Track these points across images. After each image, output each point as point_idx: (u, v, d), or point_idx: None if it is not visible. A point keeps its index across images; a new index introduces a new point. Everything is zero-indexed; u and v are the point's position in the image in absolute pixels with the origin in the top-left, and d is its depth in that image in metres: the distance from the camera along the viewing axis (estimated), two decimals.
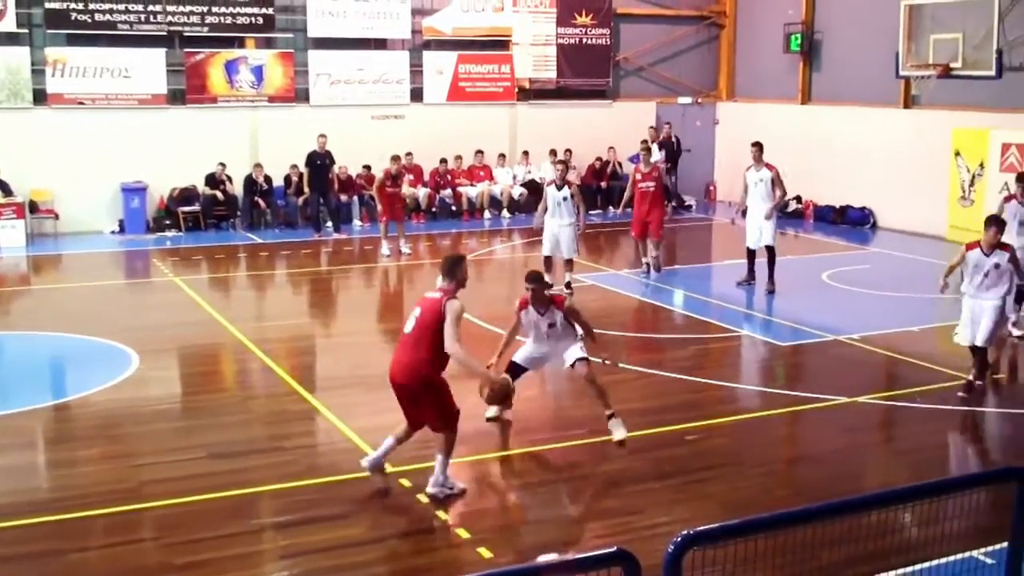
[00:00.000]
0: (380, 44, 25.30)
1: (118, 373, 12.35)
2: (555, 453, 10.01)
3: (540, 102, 26.98)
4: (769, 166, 16.91)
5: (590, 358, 10.40)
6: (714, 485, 9.25)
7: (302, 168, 23.25)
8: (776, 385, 12.46)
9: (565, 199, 16.67)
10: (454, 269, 8.89)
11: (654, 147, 25.70)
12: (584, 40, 27.18)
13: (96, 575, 7.72)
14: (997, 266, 11.70)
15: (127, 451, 10.01)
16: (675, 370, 12.59)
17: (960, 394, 11.53)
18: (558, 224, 16.77)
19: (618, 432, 10.21)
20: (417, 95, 25.60)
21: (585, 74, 27.30)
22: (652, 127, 26.60)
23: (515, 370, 10.60)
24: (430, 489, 8.77)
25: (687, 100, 28.61)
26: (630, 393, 11.94)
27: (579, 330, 10.48)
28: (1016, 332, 14.09)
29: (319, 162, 22.84)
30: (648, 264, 18.31)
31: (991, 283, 11.70)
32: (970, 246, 12.01)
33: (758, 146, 17.07)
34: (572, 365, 10.40)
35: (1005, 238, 12.31)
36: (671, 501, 8.85)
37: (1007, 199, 14.49)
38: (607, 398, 10.34)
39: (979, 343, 11.67)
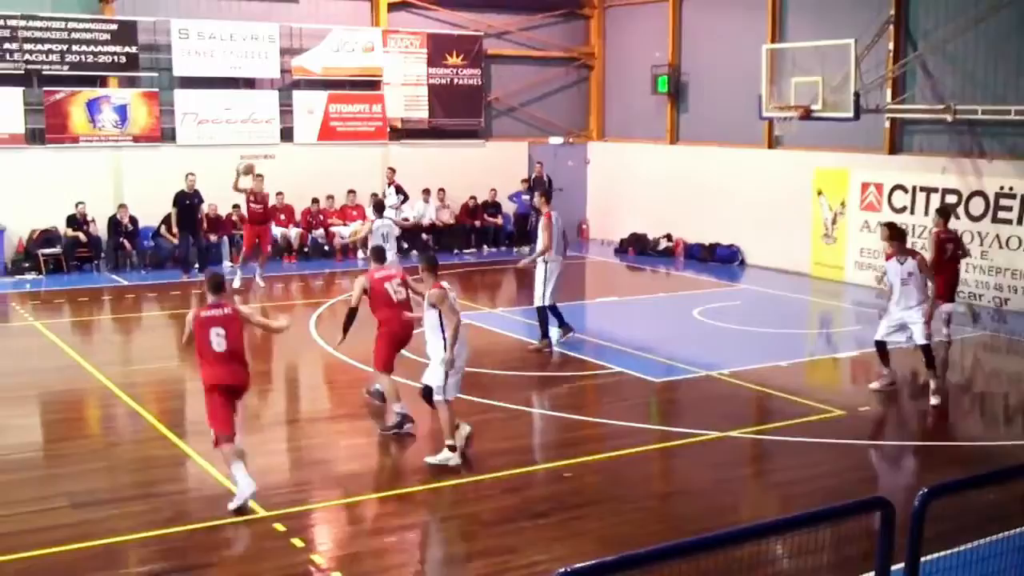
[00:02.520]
0: (249, 83, 25.03)
1: None
2: (430, 494, 9.91)
3: (412, 142, 26.97)
4: (547, 215, 15.95)
5: (434, 393, 10.51)
6: (590, 522, 9.26)
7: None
8: (650, 421, 12.57)
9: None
10: (223, 286, 9.89)
11: (390, 190, 23.82)
12: (455, 80, 27.32)
13: None
14: (910, 274, 12.92)
15: None
16: (550, 408, 12.62)
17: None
18: None
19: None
20: (287, 135, 25.37)
21: (457, 114, 27.41)
22: (390, 168, 25.16)
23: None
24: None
25: (559, 140, 28.92)
26: (505, 432, 11.94)
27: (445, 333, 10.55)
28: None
29: (188, 202, 22.41)
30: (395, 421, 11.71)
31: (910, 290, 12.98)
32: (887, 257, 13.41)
33: (542, 193, 16.46)
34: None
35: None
36: (548, 539, 8.82)
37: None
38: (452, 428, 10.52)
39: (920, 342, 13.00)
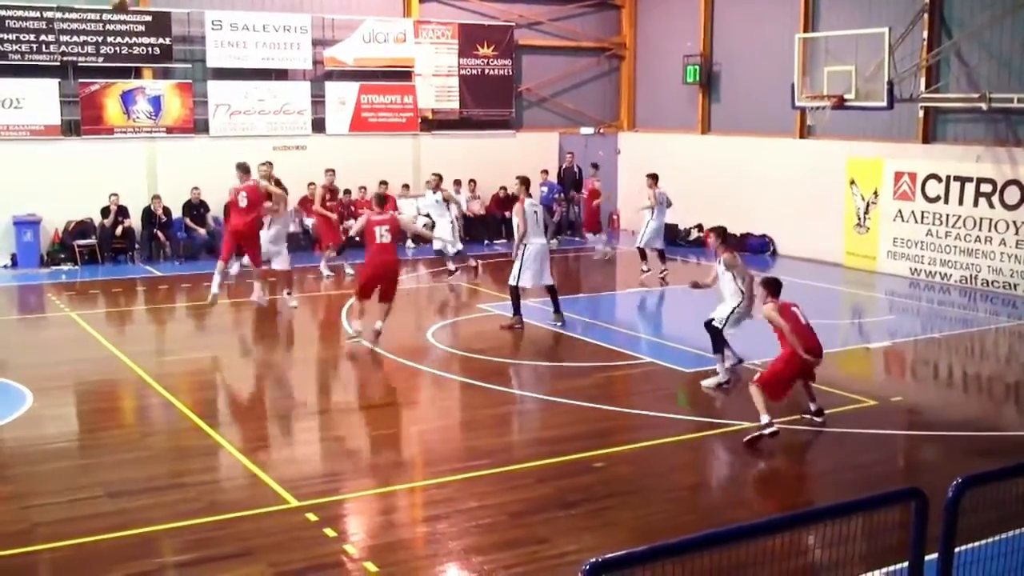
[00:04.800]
0: (281, 75, 25.13)
1: (10, 411, 11.99)
2: (461, 484, 9.93)
3: (443, 132, 27.02)
4: (521, 201, 16.45)
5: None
6: (621, 512, 9.26)
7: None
8: (680, 411, 12.55)
9: None
10: (249, 169, 17.39)
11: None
12: (486, 71, 27.32)
13: None
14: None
15: (19, 492, 9.68)
16: (581, 398, 12.60)
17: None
18: None
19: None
20: (319, 126, 25.48)
21: (488, 105, 27.44)
22: (267, 162, 22.87)
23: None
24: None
25: (589, 130, 28.87)
26: (536, 422, 11.97)
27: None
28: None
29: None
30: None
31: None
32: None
33: (520, 180, 16.79)
34: None
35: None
36: (578, 529, 8.83)
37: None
38: None
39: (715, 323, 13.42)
